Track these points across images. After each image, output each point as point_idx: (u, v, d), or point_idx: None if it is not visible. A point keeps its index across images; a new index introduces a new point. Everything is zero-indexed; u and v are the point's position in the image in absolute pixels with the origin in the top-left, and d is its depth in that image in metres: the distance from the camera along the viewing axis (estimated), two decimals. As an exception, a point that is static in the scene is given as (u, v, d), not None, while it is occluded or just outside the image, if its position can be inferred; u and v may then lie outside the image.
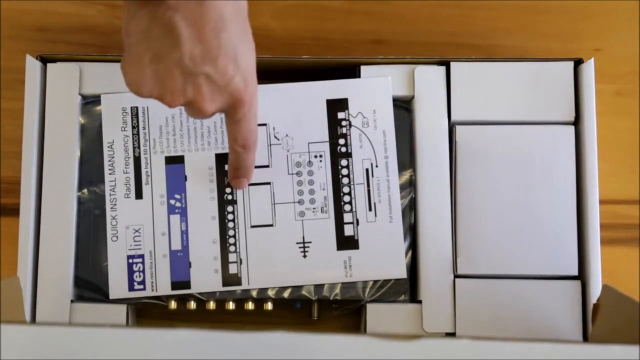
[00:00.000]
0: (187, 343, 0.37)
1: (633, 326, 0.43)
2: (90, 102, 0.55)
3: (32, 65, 0.55)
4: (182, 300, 0.54)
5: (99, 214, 0.55)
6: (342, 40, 0.62)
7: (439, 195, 0.54)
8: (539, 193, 0.54)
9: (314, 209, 0.54)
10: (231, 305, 0.54)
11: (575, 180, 0.54)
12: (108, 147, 0.55)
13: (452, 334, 0.53)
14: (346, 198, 0.55)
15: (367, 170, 0.54)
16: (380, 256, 0.54)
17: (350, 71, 0.57)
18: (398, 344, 0.37)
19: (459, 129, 0.55)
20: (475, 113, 0.55)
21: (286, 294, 0.54)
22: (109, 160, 0.54)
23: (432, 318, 0.53)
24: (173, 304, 0.54)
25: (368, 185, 0.54)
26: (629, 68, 0.61)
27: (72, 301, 0.53)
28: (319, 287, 0.54)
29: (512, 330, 0.53)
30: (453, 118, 0.55)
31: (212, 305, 0.54)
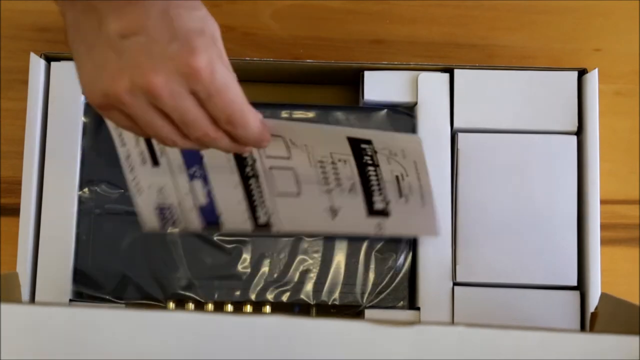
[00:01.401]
0: (184, 325, 0.37)
1: (632, 329, 0.43)
2: None
3: (36, 64, 0.55)
4: (181, 302, 0.54)
5: (99, 213, 0.55)
6: (342, 40, 0.62)
7: (440, 202, 0.54)
8: (540, 202, 0.54)
9: (341, 189, 0.52)
10: (229, 308, 0.54)
11: (577, 190, 0.54)
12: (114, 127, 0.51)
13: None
14: (374, 187, 0.52)
15: (396, 177, 0.51)
16: (411, 220, 0.52)
17: (354, 76, 0.57)
18: (394, 329, 0.37)
19: (461, 137, 0.55)
20: (478, 121, 0.55)
21: (285, 298, 0.54)
22: (119, 135, 0.52)
23: (430, 325, 0.53)
24: (171, 305, 0.54)
25: (398, 184, 0.52)
26: (629, 68, 0.61)
27: (70, 300, 0.53)
28: (317, 292, 0.54)
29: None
30: (455, 125, 0.55)
31: (210, 307, 0.54)
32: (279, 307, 0.55)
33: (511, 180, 0.54)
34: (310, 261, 0.54)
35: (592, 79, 0.54)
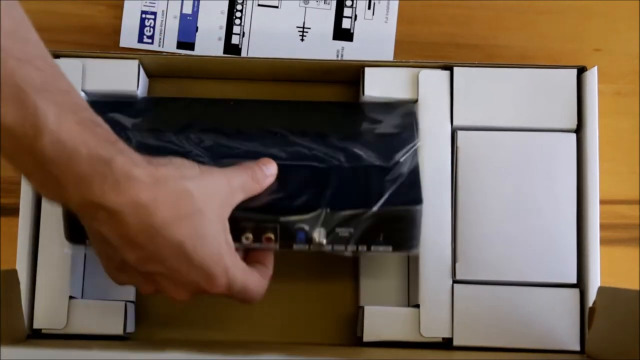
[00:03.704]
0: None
1: (632, 315, 0.43)
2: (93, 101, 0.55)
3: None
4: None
5: None
6: (342, 40, 0.62)
7: (440, 200, 0.54)
8: (540, 200, 0.54)
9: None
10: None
11: (576, 188, 0.54)
12: None
13: (449, 339, 0.53)
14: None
15: None
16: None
17: (355, 74, 0.57)
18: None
19: (460, 134, 0.55)
20: (477, 118, 0.55)
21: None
22: None
23: (430, 323, 0.53)
24: None
25: None
26: (629, 68, 0.61)
27: (70, 297, 0.53)
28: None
29: (509, 336, 0.53)
30: (455, 123, 0.55)
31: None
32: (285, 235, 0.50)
33: (511, 178, 0.54)
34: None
35: (592, 77, 0.54)
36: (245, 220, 0.48)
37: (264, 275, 0.49)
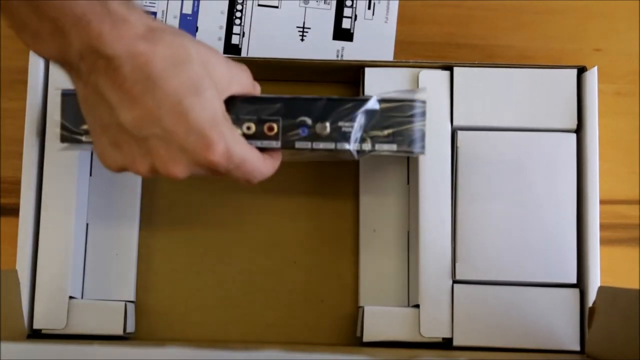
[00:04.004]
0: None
1: (632, 315, 0.43)
2: None
3: (36, 63, 0.55)
4: None
5: None
6: (342, 40, 0.62)
7: (440, 200, 0.54)
8: (540, 200, 0.54)
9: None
10: None
11: (576, 188, 0.54)
12: None
13: (449, 340, 0.53)
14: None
15: None
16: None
17: (355, 74, 0.57)
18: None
19: (460, 134, 0.55)
20: (477, 119, 0.55)
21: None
22: None
23: (430, 323, 0.53)
24: None
25: None
26: (629, 68, 0.61)
27: (70, 297, 0.53)
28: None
29: (509, 336, 0.53)
30: (455, 123, 0.55)
31: None
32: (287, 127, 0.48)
33: (511, 178, 0.54)
34: None
35: (592, 77, 0.54)
36: (248, 108, 0.47)
37: (268, 159, 0.47)
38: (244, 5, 0.60)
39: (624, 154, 0.61)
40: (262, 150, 0.47)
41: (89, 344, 0.36)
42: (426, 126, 0.50)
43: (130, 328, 0.55)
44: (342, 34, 0.61)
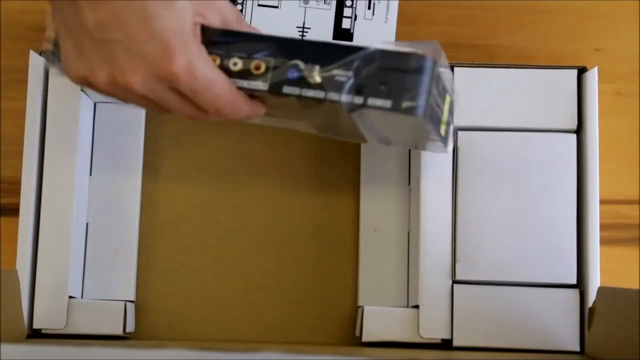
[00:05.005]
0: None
1: (632, 315, 0.43)
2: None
3: (36, 62, 0.55)
4: None
5: None
6: (342, 40, 0.62)
7: (440, 200, 0.54)
8: (540, 200, 0.54)
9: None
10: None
11: (576, 188, 0.54)
12: None
13: (448, 341, 0.53)
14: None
15: None
16: None
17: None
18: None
19: (461, 135, 0.55)
20: (477, 119, 0.55)
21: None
22: None
23: (429, 324, 0.53)
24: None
25: None
26: (629, 68, 0.61)
27: (70, 297, 0.53)
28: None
29: (509, 337, 0.53)
30: (455, 123, 0.55)
31: None
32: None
33: (511, 178, 0.54)
34: None
35: (592, 77, 0.54)
36: (238, 43, 0.44)
37: (247, 98, 0.44)
38: (244, 5, 0.60)
39: (624, 154, 0.61)
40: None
41: (89, 345, 0.36)
42: (432, 89, 0.43)
43: (130, 328, 0.55)
44: (342, 34, 0.61)
